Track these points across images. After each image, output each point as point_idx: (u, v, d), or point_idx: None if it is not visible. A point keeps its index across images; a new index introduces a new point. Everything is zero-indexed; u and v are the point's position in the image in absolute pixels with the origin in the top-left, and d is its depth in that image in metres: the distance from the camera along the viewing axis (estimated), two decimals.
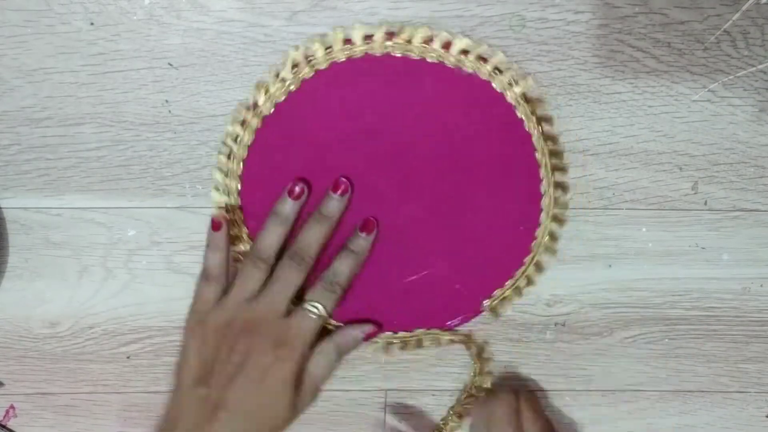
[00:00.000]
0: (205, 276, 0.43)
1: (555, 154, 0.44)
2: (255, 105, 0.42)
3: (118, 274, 0.46)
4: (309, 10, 0.41)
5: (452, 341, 0.48)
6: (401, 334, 0.47)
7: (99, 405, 0.50)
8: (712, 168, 0.45)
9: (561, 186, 0.45)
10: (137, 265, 0.46)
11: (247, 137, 0.43)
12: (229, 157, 0.43)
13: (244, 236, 0.45)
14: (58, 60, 0.42)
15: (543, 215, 0.45)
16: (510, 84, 0.42)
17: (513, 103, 0.42)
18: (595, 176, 0.45)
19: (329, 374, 0.44)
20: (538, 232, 0.45)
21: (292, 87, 0.42)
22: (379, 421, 0.50)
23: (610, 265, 0.47)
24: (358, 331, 0.45)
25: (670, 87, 0.43)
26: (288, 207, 0.43)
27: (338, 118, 0.43)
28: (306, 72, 0.41)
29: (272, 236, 0.43)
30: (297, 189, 0.43)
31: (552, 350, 0.49)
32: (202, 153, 0.44)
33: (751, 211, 0.46)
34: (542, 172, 0.43)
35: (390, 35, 0.41)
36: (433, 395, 0.50)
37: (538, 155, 0.43)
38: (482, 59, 0.42)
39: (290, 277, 0.42)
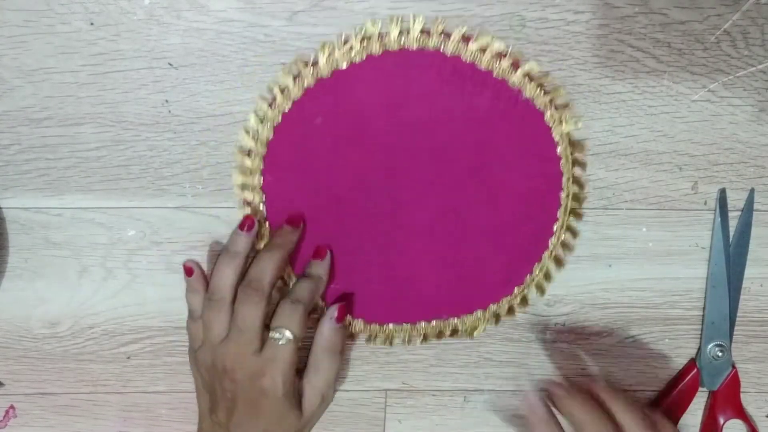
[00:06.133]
0: (190, 316, 0.44)
1: (576, 146, 0.44)
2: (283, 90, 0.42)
3: (118, 274, 0.46)
4: (309, 10, 0.41)
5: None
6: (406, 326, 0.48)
7: (99, 405, 0.50)
8: (712, 168, 0.45)
9: (578, 182, 0.45)
10: (137, 265, 0.46)
11: (273, 116, 0.42)
12: (249, 155, 0.43)
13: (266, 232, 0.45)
14: (58, 60, 0.42)
15: (560, 211, 0.45)
16: (526, 76, 0.42)
17: (531, 95, 0.42)
18: (595, 176, 0.45)
19: (331, 375, 0.44)
20: (556, 226, 0.45)
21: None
22: (379, 421, 0.50)
23: (610, 265, 0.47)
24: (327, 322, 0.44)
25: (670, 87, 0.43)
26: (239, 242, 0.43)
27: (368, 112, 0.43)
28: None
29: (225, 273, 0.42)
30: (247, 223, 0.43)
31: (552, 350, 0.49)
32: (202, 153, 0.44)
33: (752, 211, 0.46)
34: (563, 165, 0.43)
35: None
36: (433, 395, 0.50)
37: (559, 150, 0.43)
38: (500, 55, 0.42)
39: (249, 312, 0.41)
